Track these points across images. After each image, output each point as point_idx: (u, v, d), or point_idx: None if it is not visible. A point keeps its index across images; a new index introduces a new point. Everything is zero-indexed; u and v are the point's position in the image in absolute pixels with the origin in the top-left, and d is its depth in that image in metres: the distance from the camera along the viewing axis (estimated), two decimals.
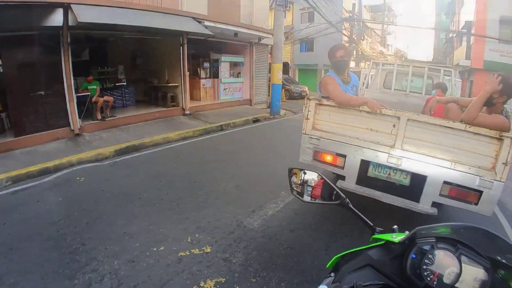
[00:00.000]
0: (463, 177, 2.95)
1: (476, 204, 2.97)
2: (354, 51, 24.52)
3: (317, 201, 1.34)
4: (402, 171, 3.25)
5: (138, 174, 5.22)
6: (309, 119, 3.49)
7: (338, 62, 3.51)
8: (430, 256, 0.91)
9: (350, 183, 3.49)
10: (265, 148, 7.26)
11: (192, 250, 3.09)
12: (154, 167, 5.66)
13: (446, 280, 0.89)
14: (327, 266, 1.14)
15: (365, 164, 3.39)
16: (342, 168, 3.48)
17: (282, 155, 6.32)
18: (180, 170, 5.45)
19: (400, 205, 3.28)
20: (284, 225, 3.68)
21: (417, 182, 3.19)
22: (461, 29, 21.08)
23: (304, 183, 1.35)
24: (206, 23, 9.41)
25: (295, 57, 29.49)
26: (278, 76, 11.64)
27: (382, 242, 1.07)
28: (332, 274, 1.07)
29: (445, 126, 2.96)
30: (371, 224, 1.21)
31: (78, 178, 4.96)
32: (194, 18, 9.26)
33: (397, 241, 1.02)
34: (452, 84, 6.38)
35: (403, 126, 3.10)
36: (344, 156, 3.43)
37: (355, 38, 24.33)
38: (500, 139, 2.78)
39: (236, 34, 10.99)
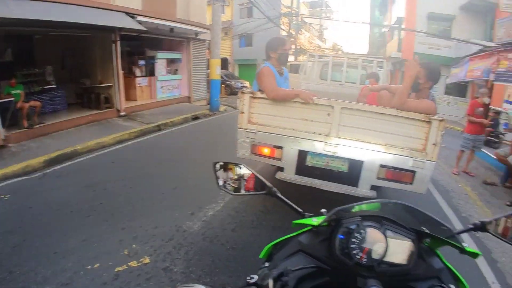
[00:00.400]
0: (397, 160, 3.21)
1: (411, 183, 3.27)
2: (293, 46, 25.33)
3: (247, 193, 1.37)
4: (339, 158, 3.42)
5: (70, 185, 4.84)
6: (244, 113, 3.52)
7: (284, 55, 3.61)
8: (356, 234, 0.95)
9: (289, 174, 3.61)
10: (205, 146, 7.25)
11: (130, 263, 2.94)
12: (87, 175, 5.29)
13: (375, 255, 0.94)
14: (260, 256, 1.17)
15: (303, 154, 3.52)
16: (280, 159, 3.58)
17: (222, 152, 6.25)
18: (114, 176, 5.17)
19: (340, 191, 3.47)
20: (226, 225, 3.68)
21: (355, 167, 3.39)
22: (393, 24, 23.05)
23: (240, 177, 1.36)
24: (140, 18, 9.12)
25: (235, 52, 29.67)
26: (216, 72, 11.66)
27: (310, 227, 1.11)
28: (267, 264, 1.08)
29: (378, 113, 3.17)
30: (300, 210, 1.24)
31: (2, 196, 4.42)
32: (127, 13, 8.89)
33: (317, 224, 1.07)
34: (384, 74, 7.01)
35: (337, 115, 3.25)
36: (281, 148, 3.53)
37: (293, 32, 25.12)
38: (428, 122, 3.06)
39: (172, 29, 10.81)
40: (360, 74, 7.05)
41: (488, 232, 1.13)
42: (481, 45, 10.58)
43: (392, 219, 1.01)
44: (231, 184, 1.37)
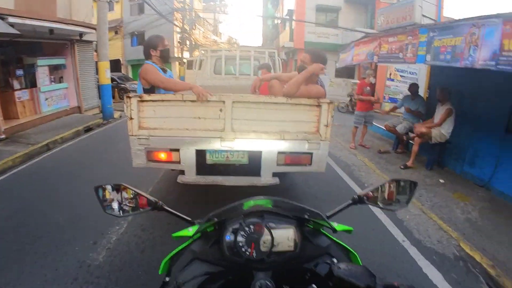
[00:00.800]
0: (294, 145, 3.41)
1: (310, 164, 3.52)
2: (187, 41, 25.44)
3: (132, 213, 1.33)
4: (238, 151, 3.49)
5: None
6: (133, 118, 3.32)
7: (165, 51, 3.56)
8: (242, 232, 1.02)
9: (190, 176, 3.57)
10: (99, 160, 6.64)
11: None
12: None
13: (263, 248, 1.01)
14: (159, 273, 1.18)
15: (201, 153, 3.50)
16: (179, 162, 3.51)
17: (118, 165, 5.89)
18: None
19: (244, 184, 3.55)
20: (133, 248, 3.38)
21: (255, 158, 3.51)
22: (285, 16, 24.78)
23: (117, 198, 1.31)
24: (12, 19, 7.80)
25: (127, 52, 28.29)
26: (106, 76, 10.82)
27: (199, 234, 1.17)
28: (167, 279, 1.13)
29: (269, 102, 3.29)
30: (189, 219, 1.29)
31: None
32: None
33: (191, 234, 1.16)
34: (277, 63, 7.40)
35: (230, 109, 3.28)
36: (178, 150, 3.45)
37: (187, 28, 25.11)
38: (318, 105, 3.28)
39: (51, 31, 9.53)
40: (253, 65, 7.35)
41: (365, 203, 1.33)
42: (364, 32, 12.08)
43: (272, 211, 1.12)
44: (127, 204, 1.32)
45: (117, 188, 1.30)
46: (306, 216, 1.13)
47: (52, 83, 11.32)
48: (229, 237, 1.04)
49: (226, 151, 3.51)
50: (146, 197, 1.29)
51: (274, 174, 3.64)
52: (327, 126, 3.37)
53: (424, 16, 5.93)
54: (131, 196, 1.30)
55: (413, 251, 3.54)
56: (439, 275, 3.15)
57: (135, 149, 3.44)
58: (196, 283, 1.02)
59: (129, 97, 3.26)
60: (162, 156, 3.51)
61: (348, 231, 1.27)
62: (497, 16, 3.55)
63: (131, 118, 3.32)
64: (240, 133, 3.38)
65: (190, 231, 1.20)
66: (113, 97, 17.26)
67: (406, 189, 1.36)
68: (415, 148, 6.22)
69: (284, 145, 3.45)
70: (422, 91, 8.73)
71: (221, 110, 3.33)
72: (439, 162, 6.47)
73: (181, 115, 3.37)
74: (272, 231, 1.03)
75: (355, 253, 1.18)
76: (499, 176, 5.28)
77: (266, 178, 3.62)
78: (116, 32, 27.59)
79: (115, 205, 1.31)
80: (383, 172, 6.04)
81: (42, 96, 10.78)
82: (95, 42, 12.14)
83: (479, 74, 4.41)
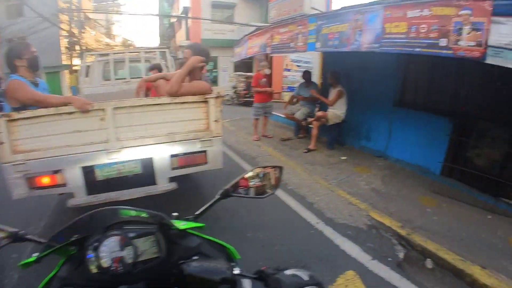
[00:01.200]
0: (186, 145, 3.28)
1: (207, 163, 3.42)
2: (77, 46, 23.54)
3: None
4: (129, 161, 3.22)
5: None
6: (3, 142, 2.79)
7: (34, 59, 3.06)
8: (103, 248, 0.96)
9: (80, 198, 3.17)
10: None
11: None
12: None
13: (129, 260, 0.97)
14: None
15: (89, 170, 3.13)
16: (65, 185, 3.10)
17: None
18: None
19: (140, 195, 3.28)
20: None
21: (148, 166, 3.29)
22: (181, 14, 24.19)
23: None
24: None
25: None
26: None
27: (64, 258, 1.09)
28: None
29: (153, 104, 3.09)
30: (44, 240, 1.11)
31: None
32: None
33: (35, 260, 1.04)
34: (169, 63, 7.23)
35: (111, 117, 2.99)
36: (61, 171, 3.04)
37: (75, 32, 23.22)
38: (205, 101, 3.18)
39: None
40: (145, 67, 6.99)
41: (232, 195, 1.32)
42: (259, 26, 12.38)
43: (131, 220, 1.08)
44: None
45: None
46: (164, 221, 1.08)
47: None
48: (91, 255, 0.97)
49: (116, 163, 3.20)
50: (3, 229, 1.14)
51: (171, 179, 3.47)
52: (217, 121, 3.31)
53: (313, 8, 6.25)
54: None
55: (328, 231, 3.63)
56: (357, 248, 3.29)
57: (12, 178, 2.91)
58: None
59: None
60: (46, 180, 3.04)
61: (200, 227, 1.21)
62: (378, 3, 3.86)
63: (1, 143, 2.79)
64: (127, 141, 3.12)
65: (34, 256, 1.06)
66: None
67: (274, 174, 1.39)
68: (314, 131, 6.50)
69: (176, 147, 3.31)
70: (316, 79, 9.35)
71: (102, 120, 3.00)
72: (339, 141, 6.89)
73: (60, 130, 2.95)
74: (133, 240, 0.99)
75: (230, 248, 1.15)
76: (392, 145, 5.96)
77: (163, 185, 3.42)
78: None
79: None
80: (288, 159, 6.17)
81: None
82: None
83: (366, 56, 4.71)
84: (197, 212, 1.26)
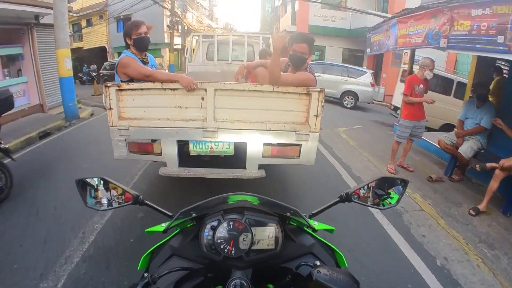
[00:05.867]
0: (280, 136, 3.33)
1: (299, 157, 3.44)
2: (179, 26, 24.38)
3: (113, 206, 1.33)
4: (223, 142, 3.44)
5: None
6: (112, 108, 3.29)
7: (141, 39, 3.39)
8: (221, 229, 1.02)
9: (172, 168, 3.54)
10: (52, 184, 4.75)
11: None
12: None
13: (243, 246, 1.01)
14: (138, 268, 1.17)
15: (183, 144, 3.50)
16: (160, 154, 3.48)
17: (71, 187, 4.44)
18: None
19: (228, 176, 3.53)
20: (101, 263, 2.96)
21: (240, 149, 3.47)
22: None
23: (99, 190, 1.32)
24: None
25: (112, 38, 27.19)
26: (66, 67, 9.10)
27: (178, 230, 1.20)
28: (146, 274, 1.11)
29: (255, 90, 3.19)
30: (170, 213, 1.27)
31: None
32: None
33: (163, 230, 1.17)
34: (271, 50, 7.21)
35: (212, 97, 3.21)
36: (159, 141, 3.43)
37: (178, 11, 23.31)
38: (308, 94, 3.17)
39: None
40: (247, 51, 7.19)
41: (353, 201, 1.31)
42: (381, 16, 11.27)
43: (253, 207, 1.12)
44: (109, 198, 1.32)
45: (99, 182, 1.33)
46: (288, 214, 1.14)
47: (7, 77, 9.50)
48: (207, 233, 1.05)
49: (210, 142, 3.47)
50: (127, 191, 1.32)
51: (260, 167, 3.61)
52: (317, 116, 3.29)
53: None
54: (112, 190, 1.33)
55: None
56: None
57: (116, 140, 3.43)
58: (173, 279, 1.02)
59: (108, 86, 3.21)
60: (144, 147, 3.50)
61: (330, 231, 1.31)
62: None
63: (110, 108, 3.28)
64: (224, 123, 3.33)
65: (162, 226, 1.21)
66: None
67: (397, 187, 1.36)
68: (494, 185, 4.23)
69: (270, 136, 3.41)
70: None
71: (203, 99, 3.24)
72: None
73: (161, 104, 3.32)
74: (252, 228, 1.04)
75: (340, 254, 1.18)
76: None
77: (251, 171, 3.58)
78: (100, 17, 26.57)
79: (96, 199, 1.33)
80: (448, 224, 4.09)
81: None
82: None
83: None
84: (313, 212, 1.30)
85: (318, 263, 1.03)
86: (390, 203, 1.33)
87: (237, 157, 3.53)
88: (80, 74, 24.25)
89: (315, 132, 3.32)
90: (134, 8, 21.26)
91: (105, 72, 20.32)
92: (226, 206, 1.11)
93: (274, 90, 3.17)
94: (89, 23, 28.01)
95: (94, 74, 21.45)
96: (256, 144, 3.40)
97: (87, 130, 8.64)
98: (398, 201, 1.34)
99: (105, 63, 21.96)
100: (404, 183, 1.34)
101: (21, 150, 6.64)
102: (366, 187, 1.34)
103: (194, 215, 1.12)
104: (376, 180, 1.34)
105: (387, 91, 16.53)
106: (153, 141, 3.46)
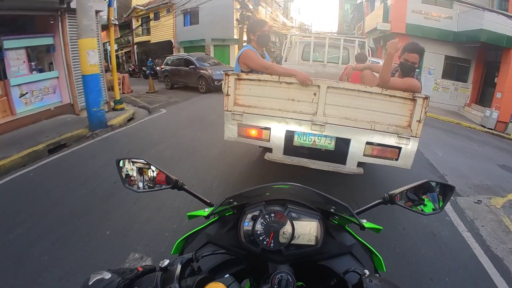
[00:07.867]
0: (383, 137, 3.69)
1: (397, 159, 3.74)
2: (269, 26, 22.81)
3: (153, 189, 1.35)
4: (326, 137, 3.87)
5: None
6: (229, 95, 3.89)
7: (264, 36, 3.99)
8: (261, 220, 1.04)
9: (277, 155, 4.05)
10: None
11: None
12: None
13: (282, 239, 1.03)
14: (171, 253, 1.22)
15: (290, 134, 3.97)
16: (268, 140, 3.99)
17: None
18: None
19: (328, 169, 3.97)
20: None
21: (342, 145, 3.90)
22: None
23: (138, 172, 1.36)
24: None
25: (178, 33, 27.48)
26: (89, 61, 7.53)
27: (217, 217, 1.24)
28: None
29: (363, 91, 3.61)
30: (208, 201, 1.35)
31: None
32: None
33: (206, 215, 1.20)
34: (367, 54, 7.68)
35: (324, 94, 3.65)
36: (269, 129, 3.93)
37: (250, 6, 21.60)
38: (413, 99, 3.51)
39: None
40: (342, 54, 7.71)
41: (396, 203, 1.28)
42: (502, 14, 10.24)
43: (296, 201, 1.14)
44: (147, 180, 1.33)
45: (139, 164, 1.36)
46: (332, 210, 1.16)
47: (34, 71, 8.69)
48: (247, 223, 1.07)
49: (314, 135, 3.93)
50: (166, 175, 1.35)
51: (359, 164, 3.99)
52: (420, 122, 3.55)
53: None
54: (152, 172, 1.35)
55: None
56: None
57: (228, 123, 3.99)
58: (214, 262, 1.08)
59: (228, 75, 3.81)
60: (253, 132, 4.03)
61: (377, 230, 1.29)
62: None
63: (227, 95, 3.84)
64: (332, 119, 3.81)
65: (206, 211, 1.24)
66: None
67: (442, 192, 1.31)
68: None
69: (373, 136, 3.76)
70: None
71: (315, 94, 3.71)
72: None
73: (275, 96, 3.84)
74: (293, 222, 1.05)
75: (379, 257, 1.18)
76: None
77: (351, 167, 3.99)
78: (168, 10, 27.66)
79: (135, 180, 1.36)
80: None
81: (15, 91, 8.16)
82: (100, 12, 9.61)
83: None
84: (356, 211, 1.25)
85: (367, 272, 0.96)
86: (422, 209, 1.26)
87: (337, 153, 3.96)
88: (144, 68, 25.14)
89: (416, 137, 3.60)
90: (200, 1, 20.77)
91: (167, 68, 17.45)
92: (268, 197, 1.13)
93: (382, 93, 3.57)
94: (156, 17, 28.97)
95: (157, 68, 20.56)
96: (359, 142, 3.81)
97: (108, 148, 6.83)
98: (442, 207, 1.26)
99: (167, 58, 18.99)
100: (450, 188, 1.27)
101: (21, 170, 5.32)
102: (410, 189, 1.28)
103: (235, 203, 1.16)
104: (421, 183, 1.27)
105: (502, 117, 13.14)
106: (263, 128, 3.96)
